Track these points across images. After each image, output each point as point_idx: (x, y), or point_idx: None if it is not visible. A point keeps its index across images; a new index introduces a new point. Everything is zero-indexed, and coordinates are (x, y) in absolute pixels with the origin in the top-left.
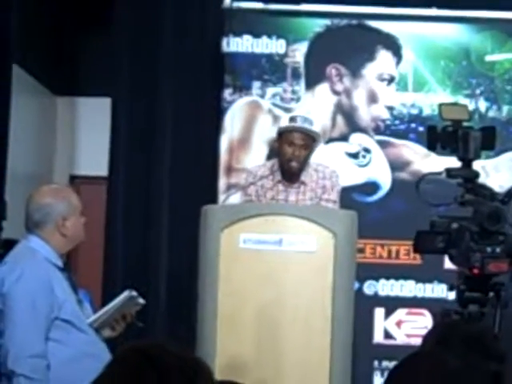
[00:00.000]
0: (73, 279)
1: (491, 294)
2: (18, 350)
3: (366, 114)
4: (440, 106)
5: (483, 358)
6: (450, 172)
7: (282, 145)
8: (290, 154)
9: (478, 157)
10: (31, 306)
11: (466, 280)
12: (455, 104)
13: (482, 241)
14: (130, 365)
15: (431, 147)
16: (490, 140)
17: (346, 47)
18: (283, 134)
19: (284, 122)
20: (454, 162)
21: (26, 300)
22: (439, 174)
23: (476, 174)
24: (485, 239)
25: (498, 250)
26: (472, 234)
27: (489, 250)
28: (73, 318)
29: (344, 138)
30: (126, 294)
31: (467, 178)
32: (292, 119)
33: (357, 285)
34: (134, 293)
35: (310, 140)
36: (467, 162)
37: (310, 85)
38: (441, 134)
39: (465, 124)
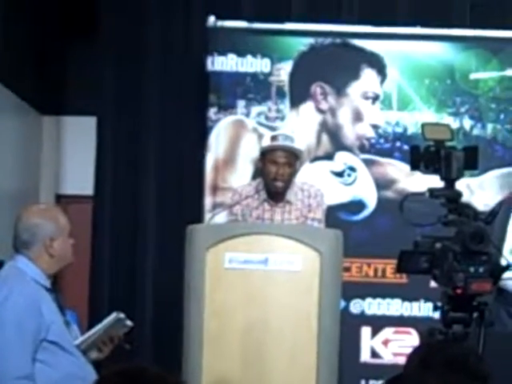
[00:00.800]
0: (60, 300)
1: (475, 314)
2: (5, 372)
3: (350, 132)
4: (423, 125)
5: (466, 379)
6: (432, 192)
7: (265, 164)
8: (274, 172)
9: (460, 176)
10: (18, 327)
11: (449, 300)
12: (438, 124)
13: (465, 261)
14: None
15: (414, 167)
16: (472, 160)
17: (331, 66)
18: (266, 154)
19: (266, 141)
20: (439, 180)
21: (13, 321)
22: (422, 194)
23: (459, 194)
24: (468, 259)
25: (481, 269)
26: (455, 254)
27: (472, 270)
28: (60, 339)
29: (329, 156)
30: (113, 316)
31: (450, 198)
32: (273, 138)
33: (343, 304)
34: (122, 315)
35: (293, 157)
36: (450, 182)
37: (295, 103)
38: (424, 154)
39: (448, 144)
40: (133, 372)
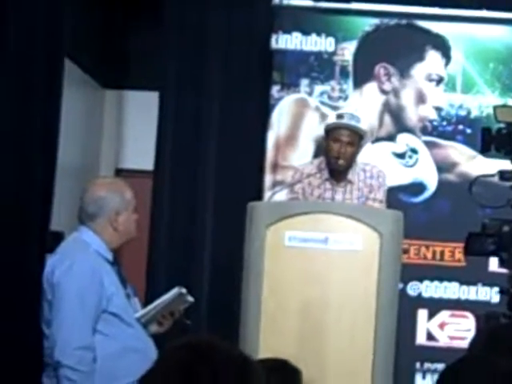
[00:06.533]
0: (122, 273)
1: None
2: (66, 341)
3: (413, 114)
4: (494, 108)
5: None
6: (503, 174)
7: (328, 142)
8: (337, 151)
9: None
10: (80, 297)
11: None
12: (510, 106)
13: None
14: (181, 361)
15: (485, 149)
16: None
17: (395, 47)
18: (330, 132)
19: (331, 119)
20: (502, 165)
21: (75, 291)
22: (492, 176)
23: None
24: None
25: None
26: None
27: None
28: (121, 311)
29: (391, 137)
30: (175, 290)
31: None
32: (339, 116)
33: (400, 285)
34: (184, 290)
35: (357, 137)
36: None
37: (358, 84)
38: (495, 136)
39: None
40: (201, 346)
